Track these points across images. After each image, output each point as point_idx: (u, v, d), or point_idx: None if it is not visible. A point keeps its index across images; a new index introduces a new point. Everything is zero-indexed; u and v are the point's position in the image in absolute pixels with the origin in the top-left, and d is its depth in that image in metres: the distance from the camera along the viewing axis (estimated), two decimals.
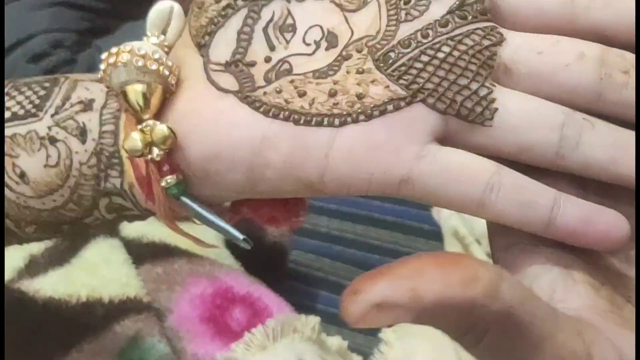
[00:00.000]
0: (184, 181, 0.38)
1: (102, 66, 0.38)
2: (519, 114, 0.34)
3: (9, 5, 0.86)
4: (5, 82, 0.42)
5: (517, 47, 0.34)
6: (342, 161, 0.34)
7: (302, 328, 0.64)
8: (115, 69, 0.38)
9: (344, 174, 0.34)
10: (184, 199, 0.38)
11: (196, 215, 0.38)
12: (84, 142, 0.39)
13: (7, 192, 0.40)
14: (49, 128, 0.39)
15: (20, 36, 0.83)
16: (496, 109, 0.34)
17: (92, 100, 0.39)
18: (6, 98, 0.41)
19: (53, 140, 0.39)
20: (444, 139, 0.34)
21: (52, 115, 0.39)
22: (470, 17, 0.35)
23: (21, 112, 0.40)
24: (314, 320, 0.63)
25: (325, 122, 0.35)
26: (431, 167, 0.33)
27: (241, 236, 0.38)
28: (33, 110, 0.40)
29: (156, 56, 0.38)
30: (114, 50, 0.38)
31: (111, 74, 0.38)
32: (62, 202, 0.39)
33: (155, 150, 0.37)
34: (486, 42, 0.35)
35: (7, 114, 0.40)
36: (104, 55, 0.39)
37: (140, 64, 0.37)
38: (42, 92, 0.40)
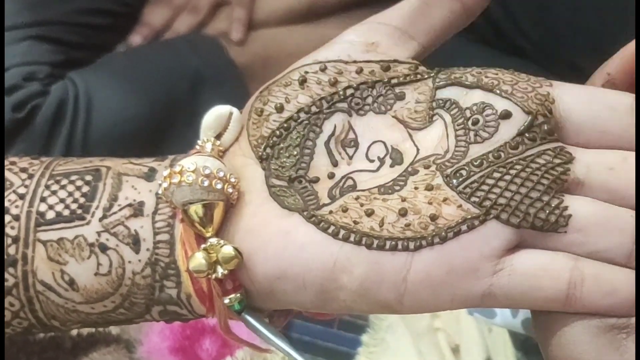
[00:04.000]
0: (246, 296, 0.37)
1: (164, 184, 0.37)
2: (591, 218, 0.34)
3: None
4: (37, 162, 0.40)
5: (588, 164, 0.35)
6: (421, 285, 0.34)
7: (271, 359, 0.65)
8: (179, 188, 0.37)
9: (424, 296, 0.34)
10: (247, 317, 0.38)
11: (258, 333, 0.38)
12: (137, 251, 0.38)
13: (54, 297, 0.38)
14: (98, 234, 0.38)
15: None
16: (570, 215, 0.34)
17: (141, 204, 0.38)
18: (46, 192, 0.39)
19: (103, 248, 0.38)
20: (516, 246, 0.34)
21: (100, 219, 0.38)
22: (539, 138, 0.36)
23: (66, 212, 0.38)
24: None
25: (400, 247, 0.34)
26: (510, 279, 0.33)
27: None
28: (79, 212, 0.38)
29: (220, 174, 0.37)
30: (177, 168, 0.37)
31: (174, 193, 0.37)
32: (112, 307, 0.38)
33: (220, 269, 0.36)
34: (557, 161, 0.35)
35: (50, 213, 0.38)
36: (165, 172, 0.37)
37: (205, 184, 0.37)
38: (85, 189, 0.39)
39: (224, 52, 0.92)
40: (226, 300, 0.37)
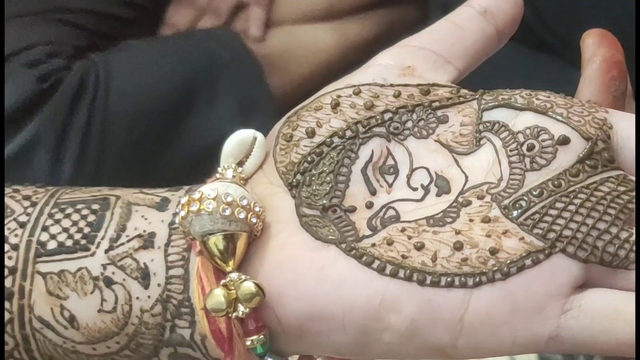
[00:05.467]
0: (270, 338, 0.34)
1: (182, 212, 0.33)
2: None
3: (11, 21, 0.83)
4: (42, 190, 0.37)
5: None
6: (480, 325, 0.31)
7: None
8: (198, 217, 0.33)
9: (483, 338, 0.31)
10: None
11: None
12: (146, 286, 0.34)
13: (52, 335, 0.34)
14: (104, 267, 0.34)
15: (19, 46, 0.82)
16: None
17: (152, 235, 0.35)
18: (49, 220, 0.35)
19: (109, 282, 0.34)
20: (583, 284, 0.32)
21: (106, 251, 0.34)
22: (600, 166, 0.33)
23: (69, 242, 0.35)
24: None
25: (457, 283, 0.31)
26: (579, 321, 0.31)
27: None
28: (83, 242, 0.35)
29: (244, 202, 0.33)
30: (195, 195, 0.33)
31: (192, 222, 0.33)
32: (116, 349, 0.35)
33: (241, 307, 0.33)
34: (622, 189, 0.33)
35: (52, 243, 0.35)
36: (183, 200, 0.34)
37: (227, 212, 0.33)
38: (91, 218, 0.35)
39: (240, 39, 0.93)
40: (247, 342, 0.33)
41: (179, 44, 0.91)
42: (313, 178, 0.35)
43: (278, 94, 0.90)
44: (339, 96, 0.37)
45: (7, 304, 0.34)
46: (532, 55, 0.90)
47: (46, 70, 0.81)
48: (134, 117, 0.84)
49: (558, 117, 0.34)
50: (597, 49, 0.38)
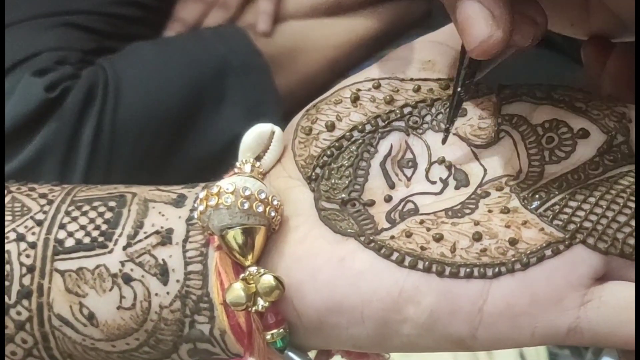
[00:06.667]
0: (290, 332, 0.33)
1: (200, 207, 0.33)
2: None
3: (18, 25, 0.83)
4: (58, 188, 0.37)
5: None
6: (499, 316, 0.31)
7: None
8: (217, 212, 0.33)
9: (502, 329, 0.31)
10: (291, 355, 0.34)
11: None
12: (165, 283, 0.34)
13: (71, 333, 0.34)
14: (122, 264, 0.34)
15: (26, 53, 0.81)
16: None
17: (170, 231, 0.35)
18: (66, 218, 0.35)
19: (127, 279, 0.34)
20: (602, 277, 0.32)
21: (124, 248, 0.34)
22: (620, 160, 0.33)
23: (87, 240, 0.35)
24: None
25: (476, 274, 0.31)
26: (599, 312, 0.31)
27: None
28: (101, 239, 0.35)
29: (262, 196, 0.33)
30: (214, 189, 0.33)
31: (211, 217, 0.33)
32: (135, 346, 0.35)
33: (260, 301, 0.33)
34: None
35: (70, 241, 0.35)
36: (201, 194, 0.34)
37: (245, 206, 0.33)
38: (108, 215, 0.35)
39: (249, 40, 0.93)
40: (267, 336, 0.33)
41: (187, 47, 0.90)
42: (332, 172, 0.35)
43: (284, 94, 0.90)
44: (359, 90, 0.37)
45: (25, 302, 0.34)
46: (534, 51, 0.90)
47: (54, 78, 0.81)
48: (142, 125, 0.84)
49: (577, 110, 0.34)
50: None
